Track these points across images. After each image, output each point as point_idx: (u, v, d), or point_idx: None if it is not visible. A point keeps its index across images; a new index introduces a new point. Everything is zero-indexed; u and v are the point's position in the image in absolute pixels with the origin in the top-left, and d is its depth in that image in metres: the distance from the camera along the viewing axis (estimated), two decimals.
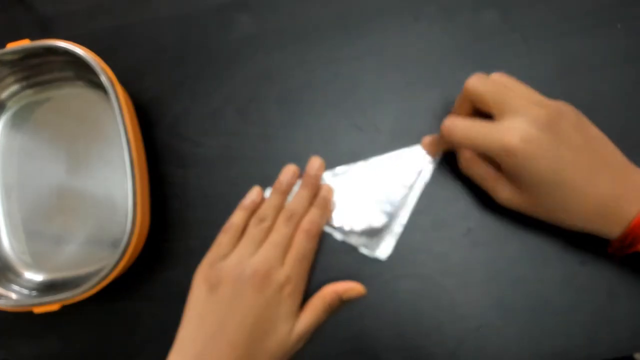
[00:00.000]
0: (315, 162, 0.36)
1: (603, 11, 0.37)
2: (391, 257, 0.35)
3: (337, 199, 0.36)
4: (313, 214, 0.34)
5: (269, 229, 0.34)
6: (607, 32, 0.36)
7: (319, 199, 0.35)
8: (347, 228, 0.36)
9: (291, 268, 0.32)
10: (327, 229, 0.36)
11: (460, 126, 0.31)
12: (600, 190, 0.28)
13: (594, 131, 0.30)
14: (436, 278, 0.35)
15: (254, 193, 0.36)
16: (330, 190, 0.36)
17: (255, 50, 0.39)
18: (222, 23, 0.40)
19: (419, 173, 0.36)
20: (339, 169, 0.36)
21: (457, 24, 0.38)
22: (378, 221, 0.35)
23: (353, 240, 0.35)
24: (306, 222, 0.34)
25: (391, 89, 0.37)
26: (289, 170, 0.36)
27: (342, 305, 0.33)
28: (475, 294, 0.34)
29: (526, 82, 0.36)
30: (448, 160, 0.36)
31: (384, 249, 0.35)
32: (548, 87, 0.36)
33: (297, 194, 0.35)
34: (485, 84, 0.31)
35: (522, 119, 0.28)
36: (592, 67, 0.36)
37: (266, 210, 0.34)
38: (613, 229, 0.29)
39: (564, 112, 0.29)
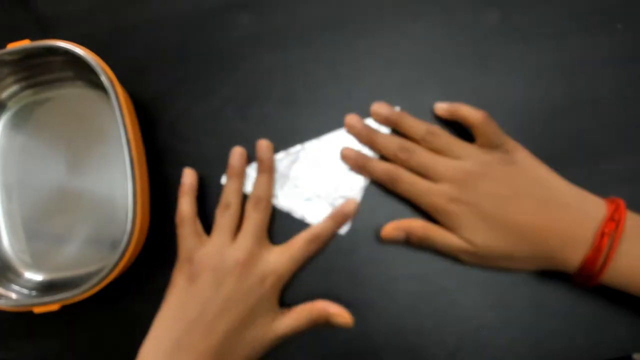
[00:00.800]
0: (262, 145, 0.36)
1: (603, 11, 0.37)
2: (391, 258, 0.35)
3: (292, 175, 0.37)
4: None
5: (237, 215, 0.34)
6: (607, 32, 0.36)
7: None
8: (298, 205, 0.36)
9: (274, 259, 0.32)
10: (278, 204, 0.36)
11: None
12: (539, 242, 0.30)
13: (531, 174, 0.32)
14: (436, 278, 0.35)
15: (187, 176, 0.36)
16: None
17: (255, 50, 0.39)
18: (222, 23, 0.40)
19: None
20: (292, 149, 0.37)
21: (456, 23, 0.38)
22: (327, 196, 0.36)
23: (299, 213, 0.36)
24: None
25: (391, 89, 0.37)
26: (236, 153, 0.36)
27: (324, 324, 0.33)
28: (474, 295, 0.34)
29: (526, 82, 0.37)
30: None
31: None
32: (548, 88, 0.36)
33: (257, 180, 0.35)
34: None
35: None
36: (592, 67, 0.36)
37: (228, 196, 0.35)
38: (568, 268, 0.30)
39: (480, 175, 0.31)
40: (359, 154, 0.35)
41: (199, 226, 0.35)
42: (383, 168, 0.34)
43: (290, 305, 0.34)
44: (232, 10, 0.40)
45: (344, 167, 0.36)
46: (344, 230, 0.36)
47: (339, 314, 0.33)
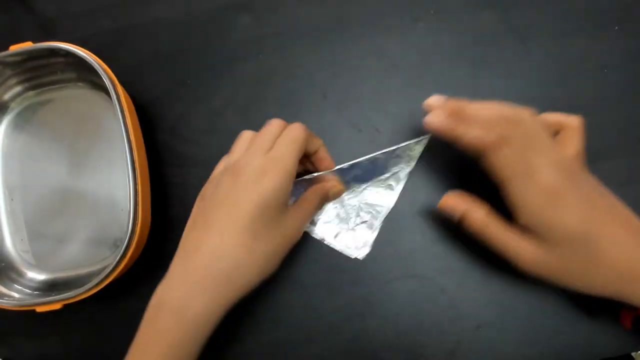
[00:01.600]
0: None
1: (602, 12, 0.37)
2: (391, 258, 0.35)
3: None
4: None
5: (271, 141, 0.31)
6: (606, 33, 0.36)
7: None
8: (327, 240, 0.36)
9: (273, 157, 0.30)
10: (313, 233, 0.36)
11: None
12: (628, 250, 0.27)
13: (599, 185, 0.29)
14: (435, 278, 0.35)
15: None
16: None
17: (255, 51, 0.39)
18: (223, 24, 0.40)
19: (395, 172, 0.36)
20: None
21: (456, 25, 0.38)
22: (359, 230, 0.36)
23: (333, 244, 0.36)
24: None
25: (391, 89, 0.37)
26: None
27: (327, 202, 0.34)
28: (474, 294, 0.34)
29: (526, 83, 0.37)
30: (447, 162, 0.36)
31: (362, 250, 0.36)
32: (547, 89, 0.36)
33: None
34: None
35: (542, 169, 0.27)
36: (591, 68, 0.36)
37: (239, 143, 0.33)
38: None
39: (579, 170, 0.28)
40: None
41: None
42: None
43: (283, 301, 0.34)
44: (233, 12, 0.40)
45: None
46: (361, 255, 0.36)
47: (333, 186, 0.34)
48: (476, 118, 0.29)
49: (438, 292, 0.35)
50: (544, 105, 0.36)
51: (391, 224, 0.36)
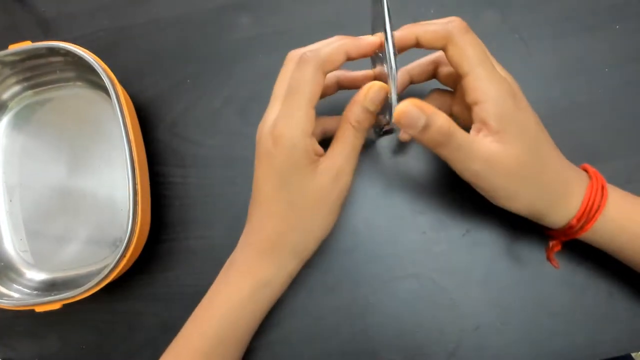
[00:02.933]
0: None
1: (602, 12, 0.37)
2: (391, 258, 0.35)
3: None
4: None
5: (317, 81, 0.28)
6: (607, 32, 0.36)
7: None
8: None
9: (279, 122, 0.28)
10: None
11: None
12: (563, 164, 0.29)
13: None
14: (435, 278, 0.35)
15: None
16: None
17: (255, 51, 0.39)
18: (222, 24, 0.40)
19: None
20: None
21: None
22: None
23: None
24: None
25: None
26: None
27: (372, 117, 0.28)
28: (474, 294, 0.34)
29: (526, 83, 0.36)
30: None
31: None
32: (548, 88, 0.36)
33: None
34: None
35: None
36: (591, 67, 0.36)
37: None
38: (562, 212, 0.29)
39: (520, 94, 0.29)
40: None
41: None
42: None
43: (283, 302, 0.34)
44: (232, 11, 0.40)
45: None
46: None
47: (368, 87, 0.28)
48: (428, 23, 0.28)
49: (438, 292, 0.35)
50: (544, 105, 0.36)
51: (391, 223, 0.36)
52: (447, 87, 0.32)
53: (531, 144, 0.27)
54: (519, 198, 0.28)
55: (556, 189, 0.29)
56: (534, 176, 0.28)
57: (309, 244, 0.30)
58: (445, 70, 0.32)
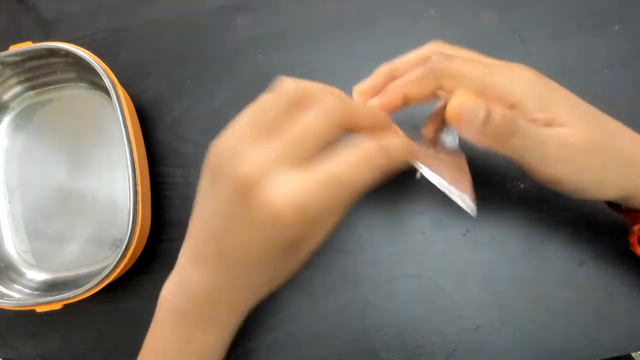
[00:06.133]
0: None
1: (602, 12, 0.37)
2: (391, 258, 0.35)
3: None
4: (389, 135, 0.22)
5: (298, 103, 0.22)
6: (606, 33, 0.36)
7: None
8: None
9: (305, 192, 0.19)
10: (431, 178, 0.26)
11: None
12: (632, 133, 0.26)
13: None
14: (435, 278, 0.35)
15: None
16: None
17: (255, 51, 0.39)
18: (222, 24, 0.40)
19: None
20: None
21: (456, 25, 0.38)
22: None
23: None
24: (381, 138, 0.21)
25: None
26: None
27: (388, 168, 0.21)
28: (473, 294, 0.34)
29: None
30: None
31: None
32: None
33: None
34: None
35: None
36: (591, 68, 0.36)
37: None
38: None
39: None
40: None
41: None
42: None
43: (283, 302, 0.34)
44: (232, 12, 0.40)
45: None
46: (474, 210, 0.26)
47: (387, 144, 0.21)
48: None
49: (438, 292, 0.35)
50: None
51: (391, 223, 0.36)
52: None
53: (588, 117, 0.25)
54: (607, 177, 0.24)
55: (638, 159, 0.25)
56: (613, 147, 0.25)
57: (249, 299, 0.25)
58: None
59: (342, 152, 0.20)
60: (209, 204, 0.23)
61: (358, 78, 0.38)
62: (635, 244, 0.28)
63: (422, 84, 0.24)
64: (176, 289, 0.26)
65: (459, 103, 0.22)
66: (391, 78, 0.26)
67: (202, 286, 0.24)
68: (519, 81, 0.24)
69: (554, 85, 0.25)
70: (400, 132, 0.25)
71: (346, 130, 0.21)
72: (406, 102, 0.25)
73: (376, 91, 0.26)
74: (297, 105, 0.21)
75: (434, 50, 0.25)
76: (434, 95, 0.26)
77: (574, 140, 0.24)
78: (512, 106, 0.23)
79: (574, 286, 0.33)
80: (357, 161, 0.20)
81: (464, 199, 0.26)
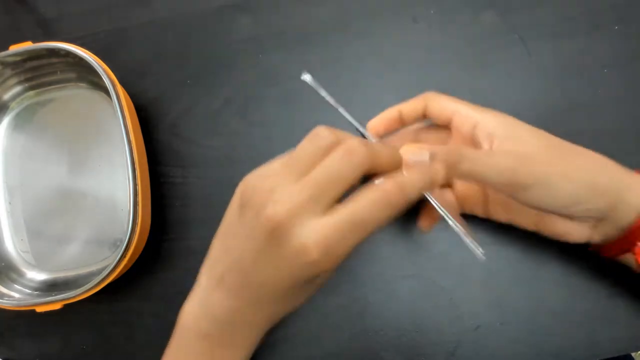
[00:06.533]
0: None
1: (601, 12, 0.37)
2: (391, 258, 0.35)
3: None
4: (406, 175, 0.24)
5: (330, 149, 0.23)
6: (606, 33, 0.36)
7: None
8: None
9: (331, 233, 0.22)
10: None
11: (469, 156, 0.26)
12: (608, 171, 0.27)
13: None
14: (435, 278, 0.35)
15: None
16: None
17: (255, 51, 0.39)
18: (223, 24, 0.40)
19: None
20: None
21: (456, 25, 0.38)
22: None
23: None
24: (397, 176, 0.23)
25: (390, 89, 0.37)
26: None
27: (405, 204, 0.23)
28: (474, 294, 0.34)
29: (526, 83, 0.37)
30: None
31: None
32: (548, 88, 0.36)
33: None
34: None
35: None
36: (590, 68, 0.36)
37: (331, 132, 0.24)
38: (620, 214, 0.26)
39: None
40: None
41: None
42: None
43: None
44: (232, 12, 0.40)
45: None
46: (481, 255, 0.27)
47: (411, 179, 0.24)
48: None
49: (438, 292, 0.35)
50: (544, 105, 0.36)
51: (391, 224, 0.36)
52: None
53: (548, 137, 0.27)
54: (575, 178, 0.25)
55: (608, 165, 0.27)
56: (576, 158, 0.27)
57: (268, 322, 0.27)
58: (430, 136, 0.33)
59: (363, 193, 0.23)
60: (237, 235, 0.25)
61: (358, 78, 0.38)
62: None
63: (414, 103, 0.30)
64: (199, 311, 0.27)
65: (402, 152, 0.25)
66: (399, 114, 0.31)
67: (225, 309, 0.26)
68: (485, 109, 0.28)
69: (519, 122, 0.28)
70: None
71: (368, 173, 0.24)
72: (400, 120, 0.31)
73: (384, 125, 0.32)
74: (328, 150, 0.23)
75: (430, 92, 0.30)
76: (424, 116, 0.31)
77: (533, 155, 0.26)
78: (474, 127, 0.28)
79: (574, 286, 0.33)
80: (377, 201, 0.23)
81: (473, 243, 0.27)
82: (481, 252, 0.27)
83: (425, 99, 0.30)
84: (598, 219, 0.27)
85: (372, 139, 0.30)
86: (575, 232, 0.28)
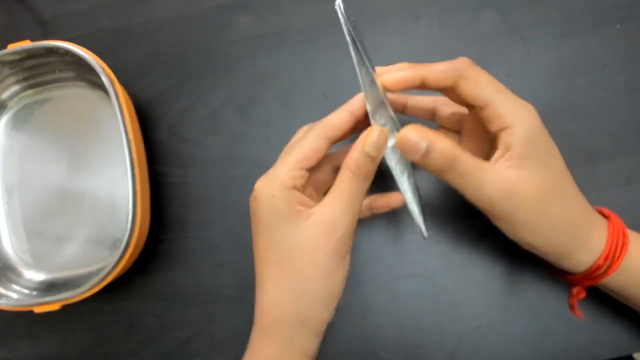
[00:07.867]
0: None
1: (602, 12, 0.37)
2: (391, 258, 0.35)
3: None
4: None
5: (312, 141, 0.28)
6: (606, 32, 0.36)
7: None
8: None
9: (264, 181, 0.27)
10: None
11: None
12: (583, 203, 0.27)
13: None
14: (435, 278, 0.35)
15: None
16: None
17: (255, 50, 0.39)
18: (222, 23, 0.40)
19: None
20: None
21: (456, 24, 0.38)
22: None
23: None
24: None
25: None
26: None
27: (372, 164, 0.27)
28: (474, 294, 0.34)
29: (526, 83, 0.37)
30: None
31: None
32: (548, 88, 0.36)
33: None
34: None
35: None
36: (591, 67, 0.36)
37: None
38: (587, 251, 0.27)
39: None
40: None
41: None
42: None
43: None
44: (232, 11, 0.40)
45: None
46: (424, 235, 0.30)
47: (368, 134, 0.26)
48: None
49: (438, 292, 0.35)
50: (544, 105, 0.36)
51: (391, 223, 0.36)
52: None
53: (555, 174, 0.26)
54: (541, 230, 0.26)
55: (580, 224, 0.27)
56: (556, 207, 0.26)
57: (315, 311, 0.27)
58: (446, 111, 0.31)
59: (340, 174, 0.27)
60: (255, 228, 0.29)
61: (358, 79, 0.38)
62: (574, 306, 0.30)
63: (443, 74, 0.26)
64: (256, 305, 0.29)
65: (404, 134, 0.25)
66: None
67: (268, 304, 0.28)
68: (524, 112, 0.26)
69: (546, 132, 0.27)
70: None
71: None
72: (421, 86, 0.27)
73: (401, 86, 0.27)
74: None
75: (464, 59, 0.26)
76: (433, 115, 0.31)
77: (522, 187, 0.25)
78: (501, 129, 0.26)
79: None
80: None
81: (424, 223, 0.29)
82: (424, 233, 0.29)
83: (458, 74, 0.26)
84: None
85: (386, 99, 0.28)
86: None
